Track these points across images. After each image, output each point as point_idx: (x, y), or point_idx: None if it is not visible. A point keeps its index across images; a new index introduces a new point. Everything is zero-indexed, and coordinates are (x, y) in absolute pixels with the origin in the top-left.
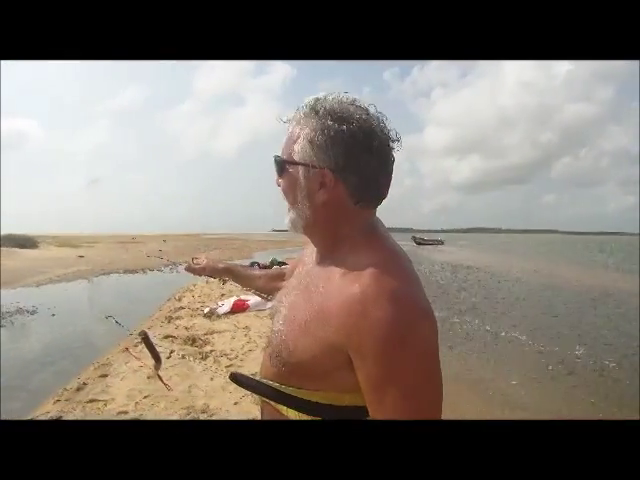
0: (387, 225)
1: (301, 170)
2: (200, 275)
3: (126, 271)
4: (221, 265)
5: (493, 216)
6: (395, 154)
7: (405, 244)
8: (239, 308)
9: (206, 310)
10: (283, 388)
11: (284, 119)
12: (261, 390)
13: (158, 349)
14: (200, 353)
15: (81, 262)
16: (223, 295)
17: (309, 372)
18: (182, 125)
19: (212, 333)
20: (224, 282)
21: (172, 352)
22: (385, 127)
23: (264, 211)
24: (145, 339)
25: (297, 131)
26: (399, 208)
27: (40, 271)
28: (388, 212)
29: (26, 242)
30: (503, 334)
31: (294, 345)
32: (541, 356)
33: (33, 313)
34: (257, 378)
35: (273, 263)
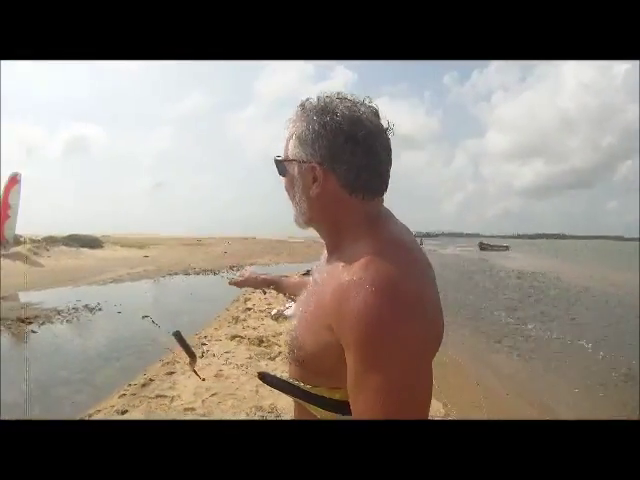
0: (453, 230)
1: (295, 167)
2: (242, 287)
3: (192, 272)
4: (262, 277)
5: (556, 222)
6: (456, 158)
7: (471, 250)
8: None
9: (273, 312)
10: (308, 388)
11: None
12: (288, 389)
13: (221, 349)
14: (268, 354)
15: (146, 262)
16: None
17: (319, 369)
18: (245, 129)
19: (280, 335)
20: (264, 292)
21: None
22: (375, 117)
23: None
24: (179, 338)
25: (290, 131)
26: (464, 213)
27: (105, 270)
28: (453, 217)
29: (91, 242)
30: (569, 342)
31: (302, 341)
32: (606, 365)
33: (98, 310)
34: (284, 378)
35: None
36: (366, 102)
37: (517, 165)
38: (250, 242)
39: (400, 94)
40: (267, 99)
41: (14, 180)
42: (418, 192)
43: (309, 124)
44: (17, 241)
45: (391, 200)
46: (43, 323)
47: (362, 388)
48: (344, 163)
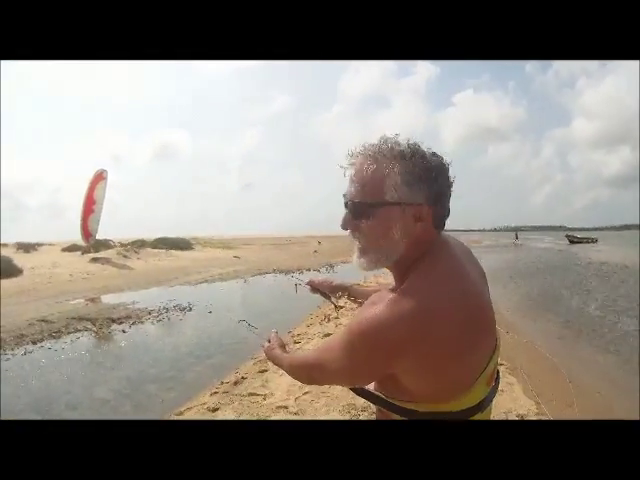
0: (540, 224)
1: (396, 209)
2: (315, 292)
3: (282, 271)
4: (335, 283)
5: None
6: (543, 148)
7: (560, 243)
8: None
9: None
10: (386, 398)
11: (346, 161)
12: (371, 398)
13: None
14: None
15: (236, 262)
16: None
17: (389, 386)
18: (331, 129)
19: None
20: (338, 298)
21: None
22: (443, 158)
23: None
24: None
25: (379, 175)
26: (551, 204)
27: (196, 271)
28: (541, 210)
29: (181, 244)
30: None
31: None
32: None
33: (189, 310)
34: (370, 389)
35: None
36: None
37: (603, 153)
38: (340, 240)
39: (484, 86)
40: (352, 98)
41: (100, 176)
42: (505, 185)
43: (407, 167)
44: (107, 245)
45: (479, 194)
46: (134, 323)
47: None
48: (442, 203)
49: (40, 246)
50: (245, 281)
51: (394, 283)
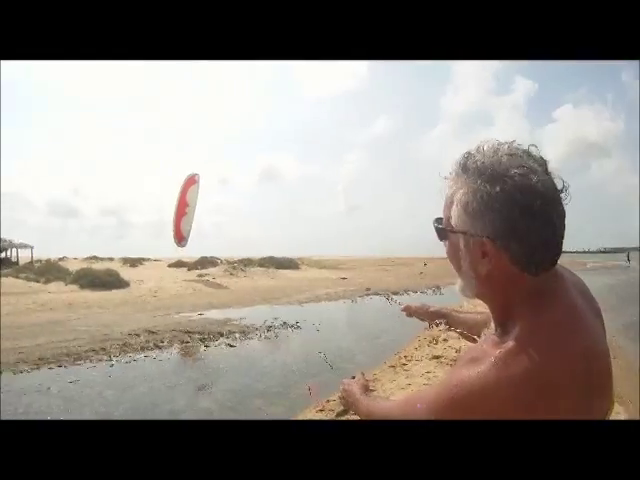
0: None
1: (461, 238)
2: (411, 316)
3: (389, 292)
4: (432, 309)
5: None
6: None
7: None
8: None
9: None
10: None
11: (445, 176)
12: None
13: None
14: None
15: (343, 283)
16: None
17: None
18: (435, 148)
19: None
20: (436, 325)
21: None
22: (547, 176)
23: None
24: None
25: (451, 193)
26: None
27: (303, 290)
28: None
29: (287, 264)
30: None
31: None
32: None
33: (297, 328)
34: None
35: None
36: (534, 153)
37: None
38: (447, 262)
39: (583, 99)
40: (453, 116)
41: (192, 180)
42: (609, 202)
43: (476, 192)
44: (214, 262)
45: (583, 213)
46: (241, 338)
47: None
48: (518, 239)
49: (146, 261)
50: (353, 301)
51: (493, 324)
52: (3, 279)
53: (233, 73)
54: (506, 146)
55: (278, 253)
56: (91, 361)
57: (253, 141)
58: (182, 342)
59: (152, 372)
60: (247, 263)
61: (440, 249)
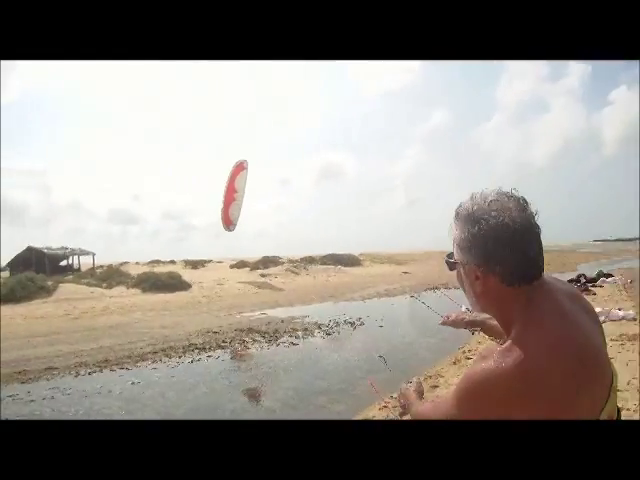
0: None
1: (460, 267)
2: (447, 324)
3: (452, 287)
4: (468, 318)
5: None
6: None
7: None
8: None
9: None
10: None
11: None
12: None
13: None
14: None
15: (405, 278)
16: None
17: None
18: (492, 139)
19: None
20: (473, 333)
21: None
22: (521, 211)
23: (585, 219)
24: None
25: (453, 235)
26: None
27: (365, 286)
28: None
29: (349, 260)
30: None
31: None
32: None
33: (360, 325)
34: None
35: (599, 275)
36: (514, 194)
37: None
38: None
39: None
40: (510, 105)
41: (241, 166)
42: None
43: (463, 232)
44: (276, 261)
45: None
46: (304, 336)
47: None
48: (497, 264)
49: (207, 263)
50: (415, 296)
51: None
52: (65, 285)
53: (287, 75)
54: (494, 193)
55: (340, 250)
56: (153, 362)
57: (312, 141)
58: (244, 341)
59: (214, 372)
60: (309, 261)
61: None
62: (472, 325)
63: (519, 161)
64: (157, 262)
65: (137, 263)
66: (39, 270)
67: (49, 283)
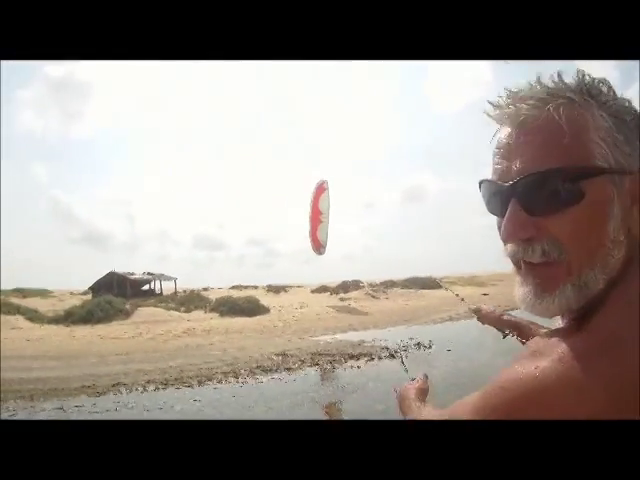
0: None
1: (609, 184)
2: (483, 322)
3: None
4: (506, 317)
5: None
6: None
7: None
8: None
9: None
10: None
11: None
12: None
13: None
14: None
15: (485, 300)
16: None
17: None
18: None
19: None
20: (504, 336)
21: None
22: None
23: None
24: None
25: (581, 120)
26: None
27: (442, 310)
28: None
29: (430, 283)
30: None
31: None
32: None
33: (428, 348)
34: None
35: None
36: None
37: None
38: None
39: None
40: None
41: (322, 188)
42: None
43: (628, 114)
44: (356, 286)
45: None
46: (370, 359)
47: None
48: None
49: (290, 288)
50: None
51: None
52: (143, 308)
53: (366, 98)
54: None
55: (422, 272)
56: (218, 382)
57: (393, 162)
58: (312, 364)
59: (276, 393)
60: (389, 285)
61: None
62: (508, 325)
63: None
64: (239, 287)
65: (220, 288)
66: (120, 294)
67: (127, 306)
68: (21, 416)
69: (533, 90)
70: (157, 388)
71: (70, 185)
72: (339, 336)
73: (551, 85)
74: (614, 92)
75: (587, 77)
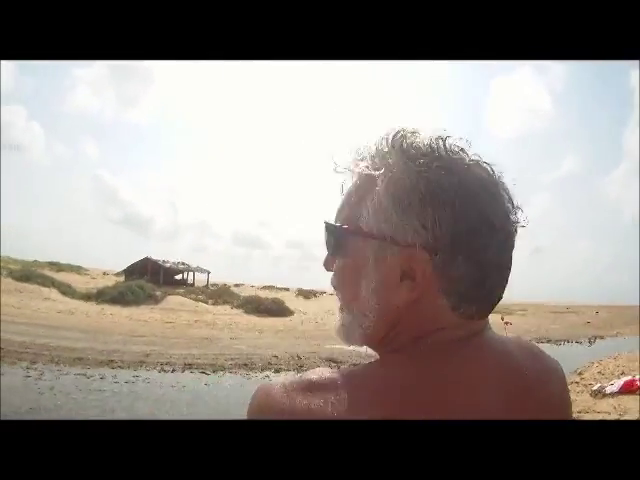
0: None
1: (372, 247)
2: None
3: (554, 341)
4: None
5: None
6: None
7: None
8: (628, 388)
9: (595, 387)
10: None
11: (338, 165)
12: None
13: None
14: None
15: (508, 329)
16: (622, 374)
17: None
18: (618, 189)
19: (588, 412)
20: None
21: None
22: (505, 190)
23: None
24: None
25: (366, 183)
26: None
27: None
28: None
29: None
30: None
31: None
32: None
33: None
34: None
35: None
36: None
37: None
38: (619, 310)
39: None
40: (636, 153)
41: None
42: None
43: (421, 179)
44: None
45: None
46: None
47: None
48: (470, 258)
49: (320, 294)
50: None
51: None
52: (174, 297)
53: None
54: (448, 138)
55: None
56: (231, 373)
57: None
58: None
59: None
60: None
61: (619, 297)
62: None
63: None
64: (271, 287)
65: (252, 286)
66: (153, 280)
67: (158, 293)
68: (47, 377)
69: (365, 152)
70: (174, 370)
71: (117, 167)
72: (356, 347)
73: (382, 148)
74: (429, 147)
75: (398, 132)
